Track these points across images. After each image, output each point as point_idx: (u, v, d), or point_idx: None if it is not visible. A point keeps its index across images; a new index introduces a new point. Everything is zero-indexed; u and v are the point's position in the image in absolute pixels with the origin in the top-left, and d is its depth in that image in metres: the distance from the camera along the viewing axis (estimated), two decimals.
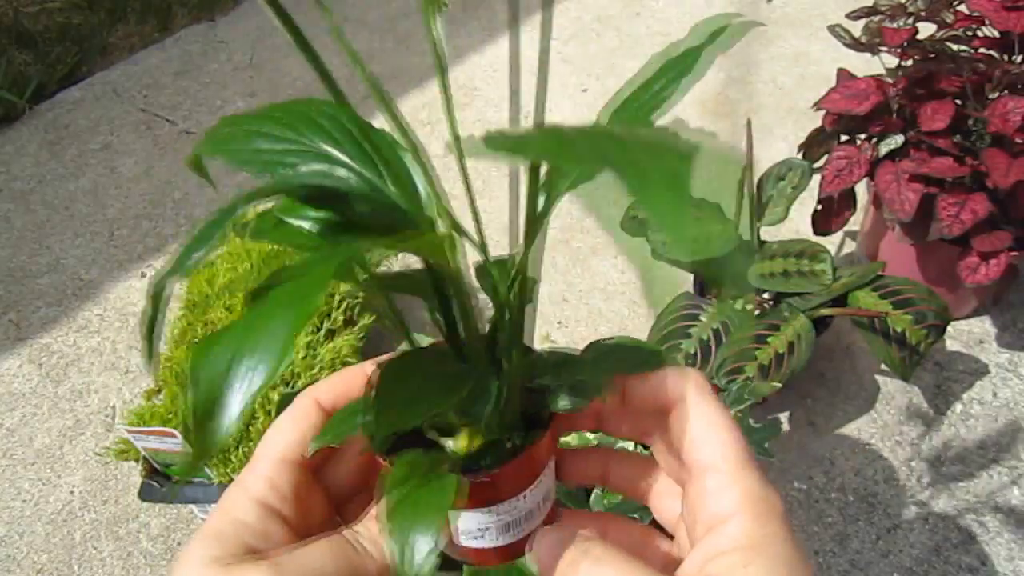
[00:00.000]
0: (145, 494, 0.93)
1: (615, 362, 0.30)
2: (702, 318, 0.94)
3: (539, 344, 1.17)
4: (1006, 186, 0.90)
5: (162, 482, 0.93)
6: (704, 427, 0.27)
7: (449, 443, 0.29)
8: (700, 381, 0.29)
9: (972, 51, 1.00)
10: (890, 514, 1.00)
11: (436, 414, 0.28)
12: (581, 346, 0.31)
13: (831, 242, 1.26)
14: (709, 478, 0.27)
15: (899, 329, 0.93)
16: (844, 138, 1.05)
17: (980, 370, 1.12)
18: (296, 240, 0.24)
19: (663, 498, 0.31)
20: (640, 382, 0.29)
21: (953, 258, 0.99)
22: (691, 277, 1.08)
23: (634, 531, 0.32)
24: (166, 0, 1.90)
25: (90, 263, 1.36)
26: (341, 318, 1.00)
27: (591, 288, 1.26)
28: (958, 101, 0.97)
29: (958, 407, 1.09)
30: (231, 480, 0.90)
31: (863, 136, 1.04)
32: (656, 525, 0.32)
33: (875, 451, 1.06)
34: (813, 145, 1.07)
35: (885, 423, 1.08)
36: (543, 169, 0.26)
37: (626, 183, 0.14)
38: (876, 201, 1.13)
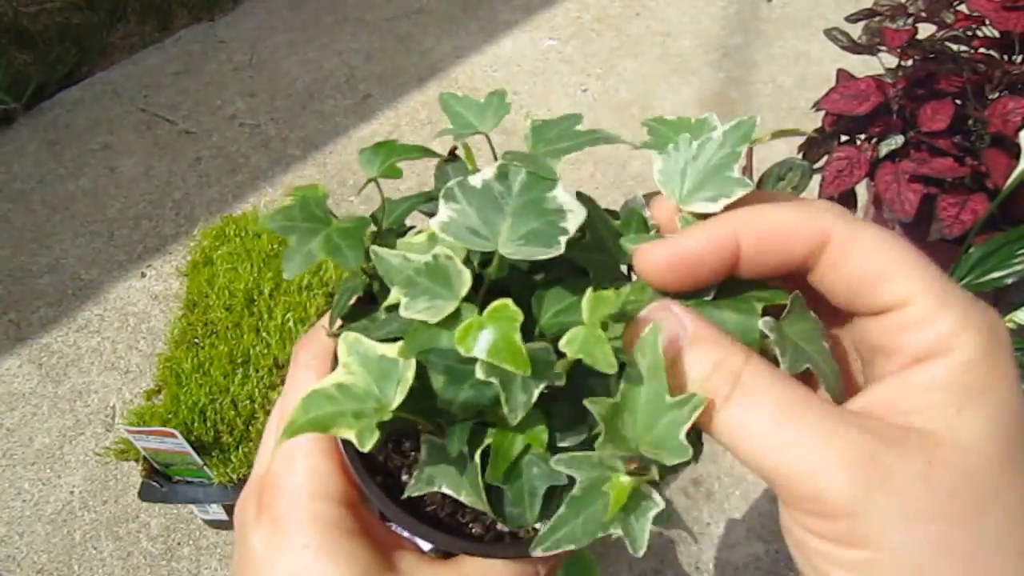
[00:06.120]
0: (145, 494, 0.93)
1: None
2: None
3: None
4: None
5: (162, 482, 0.93)
6: (886, 254, 0.24)
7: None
8: (844, 210, 0.25)
9: (972, 51, 1.00)
10: None
11: None
12: None
13: None
14: (910, 308, 0.23)
15: None
16: (844, 138, 1.05)
17: None
18: None
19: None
20: (769, 234, 0.25)
21: (953, 258, 1.00)
22: None
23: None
24: (166, 0, 1.90)
25: (90, 263, 1.36)
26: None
27: None
28: (958, 101, 0.97)
29: None
30: (231, 480, 0.90)
31: (863, 137, 1.04)
32: None
33: None
34: (813, 145, 1.07)
35: None
36: None
37: None
38: (876, 201, 1.13)
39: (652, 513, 0.23)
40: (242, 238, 1.09)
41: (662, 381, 0.24)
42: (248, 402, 0.91)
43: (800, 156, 1.08)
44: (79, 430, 1.14)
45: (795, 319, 0.26)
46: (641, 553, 0.23)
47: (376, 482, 0.29)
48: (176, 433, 0.84)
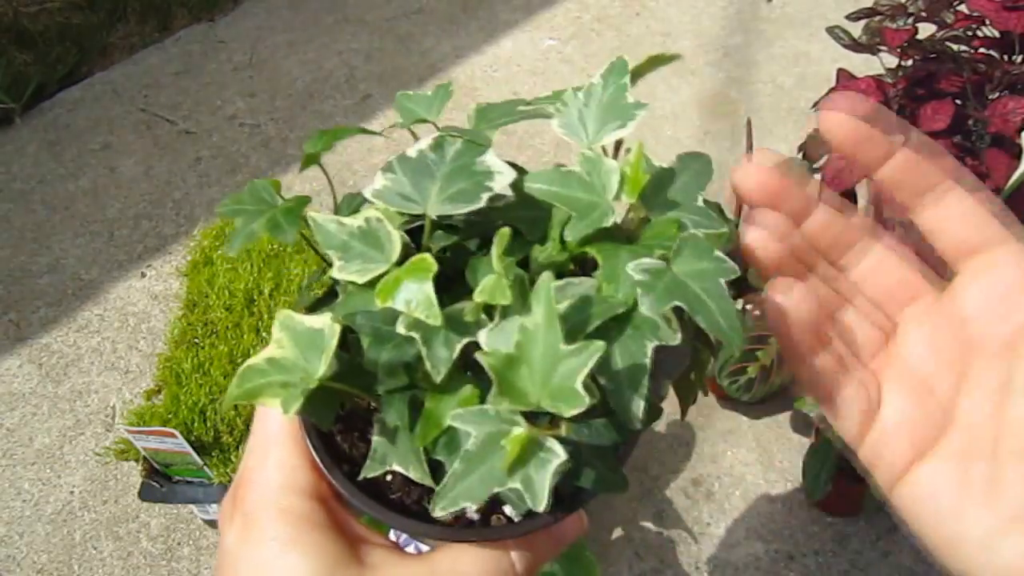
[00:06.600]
0: (145, 494, 0.93)
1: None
2: None
3: None
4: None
5: (162, 482, 0.93)
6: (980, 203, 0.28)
7: None
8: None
9: (972, 51, 1.00)
10: (890, 514, 1.00)
11: None
12: None
13: None
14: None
15: None
16: None
17: None
18: None
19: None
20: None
21: None
22: None
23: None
24: (166, 0, 1.90)
25: (90, 263, 1.36)
26: None
27: None
28: (958, 101, 0.97)
29: None
30: (231, 480, 0.90)
31: None
32: None
33: None
34: (813, 145, 1.07)
35: None
36: None
37: None
38: (876, 201, 1.13)
39: (553, 465, 0.23)
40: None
41: (557, 330, 0.23)
42: None
43: (800, 156, 1.08)
44: (79, 430, 1.14)
45: (689, 258, 0.25)
46: (541, 507, 0.22)
47: (342, 470, 0.28)
48: (176, 433, 0.84)
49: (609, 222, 0.26)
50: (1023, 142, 0.81)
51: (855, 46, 1.04)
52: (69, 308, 1.30)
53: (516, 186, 0.28)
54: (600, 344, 0.22)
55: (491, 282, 0.24)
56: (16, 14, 1.86)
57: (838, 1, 1.80)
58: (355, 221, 0.27)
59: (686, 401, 0.32)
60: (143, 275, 1.34)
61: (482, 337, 0.24)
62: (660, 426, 1.09)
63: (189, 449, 0.86)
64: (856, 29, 1.07)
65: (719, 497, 1.04)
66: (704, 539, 1.00)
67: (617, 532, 1.00)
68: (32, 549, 1.02)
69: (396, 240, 0.26)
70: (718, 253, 0.25)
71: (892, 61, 1.04)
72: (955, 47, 0.99)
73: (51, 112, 1.66)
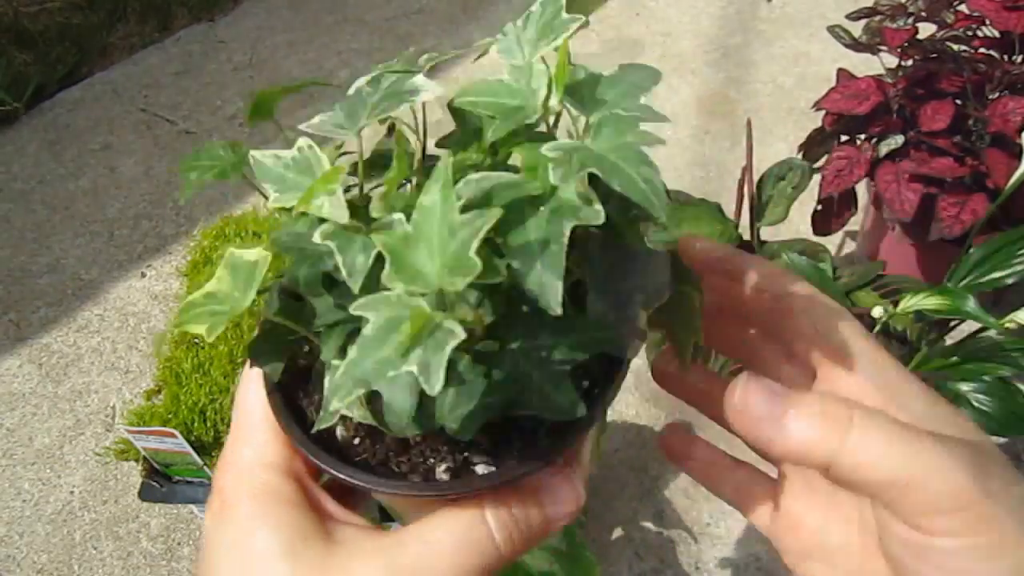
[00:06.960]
0: (145, 494, 0.93)
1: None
2: None
3: None
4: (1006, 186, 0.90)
5: (162, 482, 0.93)
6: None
7: None
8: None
9: (972, 51, 1.00)
10: None
11: None
12: None
13: (831, 242, 1.26)
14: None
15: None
16: (844, 138, 1.05)
17: None
18: None
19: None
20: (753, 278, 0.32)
21: (953, 258, 0.99)
22: None
23: None
24: (166, 0, 1.90)
25: (90, 263, 1.36)
26: None
27: None
28: (958, 101, 0.97)
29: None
30: None
31: (863, 136, 1.04)
32: None
33: None
34: (813, 145, 1.07)
35: None
36: None
37: None
38: (876, 201, 1.13)
39: (450, 346, 0.21)
40: (242, 238, 1.09)
41: (454, 205, 0.22)
42: None
43: (800, 156, 1.08)
44: (79, 430, 1.14)
45: (609, 135, 0.25)
46: (435, 390, 0.21)
47: (309, 436, 0.28)
48: (176, 433, 0.84)
49: (533, 120, 0.26)
50: (1023, 142, 0.80)
51: (855, 46, 1.04)
52: (69, 308, 1.30)
53: (456, 114, 0.29)
54: (496, 210, 0.22)
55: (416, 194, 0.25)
56: (16, 14, 1.86)
57: (838, 1, 1.80)
58: (289, 153, 0.28)
59: (683, 352, 0.31)
60: (143, 275, 1.34)
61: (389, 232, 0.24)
62: (660, 426, 1.09)
63: (189, 449, 0.86)
64: (856, 29, 1.07)
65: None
66: (704, 539, 1.00)
67: (617, 532, 1.00)
68: (32, 549, 1.02)
69: (325, 164, 0.27)
70: (644, 129, 0.24)
71: (892, 61, 1.04)
72: (955, 47, 0.99)
73: (51, 112, 1.66)
